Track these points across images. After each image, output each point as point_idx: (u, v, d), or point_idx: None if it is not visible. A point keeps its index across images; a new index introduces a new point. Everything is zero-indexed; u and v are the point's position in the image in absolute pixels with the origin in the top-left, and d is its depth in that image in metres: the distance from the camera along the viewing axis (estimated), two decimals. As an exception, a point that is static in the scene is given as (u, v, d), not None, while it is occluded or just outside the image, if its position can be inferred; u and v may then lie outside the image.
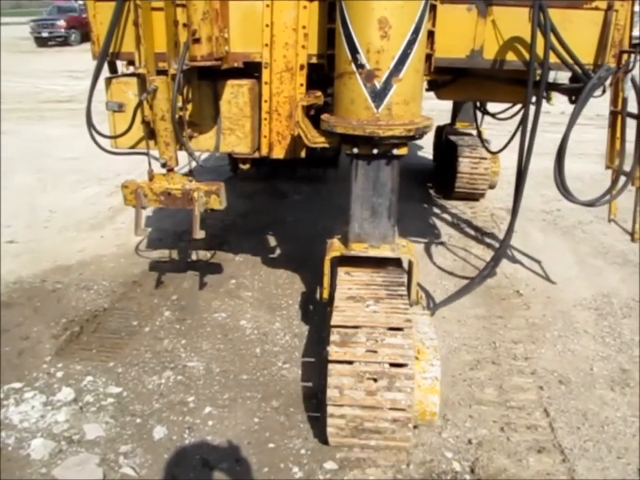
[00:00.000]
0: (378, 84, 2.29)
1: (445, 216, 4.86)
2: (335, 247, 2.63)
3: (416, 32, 2.25)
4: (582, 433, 2.37)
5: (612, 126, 2.89)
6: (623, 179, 2.86)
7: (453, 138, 5.28)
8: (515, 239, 4.27)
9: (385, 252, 2.57)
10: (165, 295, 3.53)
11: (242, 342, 3.02)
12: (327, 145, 2.63)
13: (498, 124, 5.13)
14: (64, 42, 22.94)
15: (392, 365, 2.09)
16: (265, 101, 2.76)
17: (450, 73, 2.93)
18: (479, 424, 2.42)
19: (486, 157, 4.95)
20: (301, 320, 3.21)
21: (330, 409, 2.12)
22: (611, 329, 3.12)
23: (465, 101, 5.21)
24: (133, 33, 2.56)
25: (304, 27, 2.61)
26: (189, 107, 2.71)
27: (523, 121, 2.78)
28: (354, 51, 2.29)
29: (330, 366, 2.12)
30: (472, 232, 4.48)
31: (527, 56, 2.60)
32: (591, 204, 2.95)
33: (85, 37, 22.98)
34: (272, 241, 4.29)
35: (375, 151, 2.40)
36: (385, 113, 2.32)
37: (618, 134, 2.85)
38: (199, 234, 2.75)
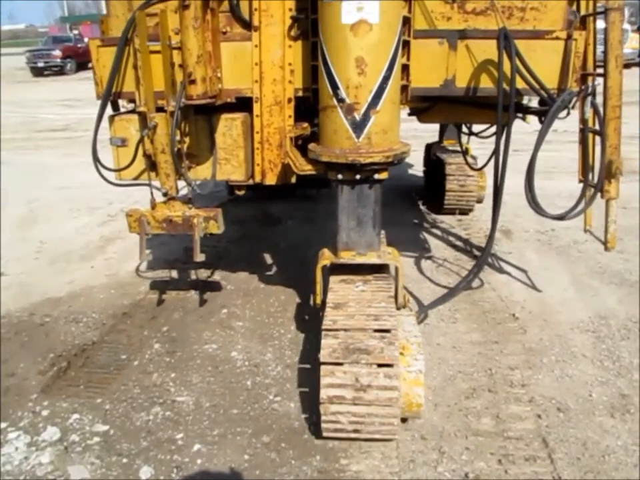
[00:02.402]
0: (357, 116, 2.49)
1: (439, 238, 4.82)
2: (326, 256, 2.80)
3: (390, 68, 2.47)
4: (582, 464, 2.29)
5: (582, 142, 3.12)
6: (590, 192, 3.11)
7: (440, 155, 5.39)
8: (510, 261, 4.25)
9: (371, 259, 2.74)
10: (155, 327, 3.47)
11: (233, 374, 2.96)
12: (314, 172, 2.81)
13: (487, 142, 5.19)
14: (60, 71, 23.25)
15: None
16: (257, 132, 2.95)
17: (426, 100, 3.13)
18: (476, 456, 2.34)
19: (472, 174, 5.07)
20: (292, 350, 3.15)
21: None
22: (610, 352, 3.05)
23: (448, 123, 5.36)
24: (133, 75, 2.84)
25: (290, 64, 2.84)
26: (187, 140, 2.95)
27: (496, 141, 2.96)
28: (334, 86, 2.50)
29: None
30: (465, 255, 4.43)
31: (495, 82, 2.79)
32: (561, 217, 3.11)
33: (81, 66, 23.34)
34: (264, 269, 4.24)
35: (358, 177, 2.59)
36: (365, 142, 2.51)
37: (589, 150, 3.11)
38: (200, 257, 2.94)
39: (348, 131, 2.52)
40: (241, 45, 2.87)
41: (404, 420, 2.52)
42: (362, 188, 2.66)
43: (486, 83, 2.81)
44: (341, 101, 2.50)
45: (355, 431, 2.30)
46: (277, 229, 5.13)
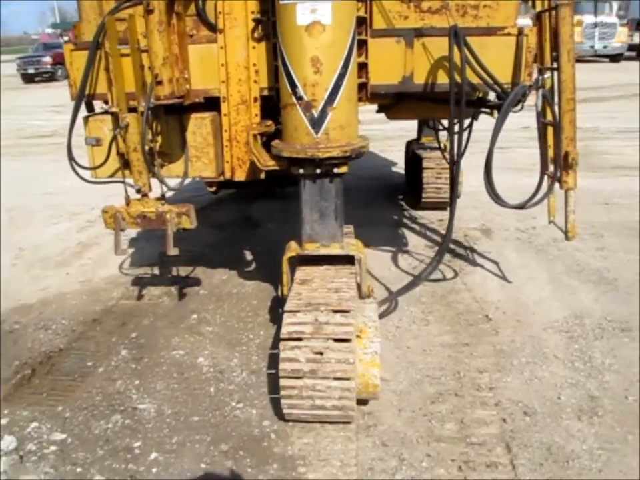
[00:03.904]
0: (315, 113, 2.59)
1: (418, 236, 4.76)
2: (292, 248, 2.92)
3: (345, 66, 2.55)
4: (545, 470, 2.23)
5: (542, 136, 3.22)
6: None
7: (417, 151, 5.43)
8: (488, 261, 4.19)
9: (334, 250, 2.85)
10: (124, 333, 3.42)
11: (197, 381, 2.91)
12: (277, 168, 2.93)
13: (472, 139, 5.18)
14: (50, 77, 23.34)
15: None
16: (225, 131, 3.07)
17: (387, 97, 3.21)
18: (437, 463, 2.29)
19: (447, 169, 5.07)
20: (259, 356, 3.10)
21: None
22: (582, 353, 2.99)
23: (413, 119, 5.47)
24: (105, 77, 2.96)
25: (254, 65, 2.93)
26: (159, 138, 3.09)
27: (450, 135, 3.08)
28: (293, 85, 2.60)
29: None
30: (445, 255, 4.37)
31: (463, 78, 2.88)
32: (521, 207, 3.27)
33: (72, 72, 23.30)
34: (238, 273, 4.19)
35: (318, 171, 2.69)
36: (323, 137, 2.62)
37: (550, 142, 3.21)
38: (173, 251, 3.09)
39: (307, 127, 2.61)
40: (208, 47, 2.98)
41: (364, 402, 2.60)
42: (323, 182, 2.75)
43: (443, 79, 2.90)
44: (299, 98, 2.59)
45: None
46: (256, 232, 5.09)
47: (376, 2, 2.93)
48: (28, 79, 23.15)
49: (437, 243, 4.62)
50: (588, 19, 20.72)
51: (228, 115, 3.02)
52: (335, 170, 2.69)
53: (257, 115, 3.03)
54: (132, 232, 4.89)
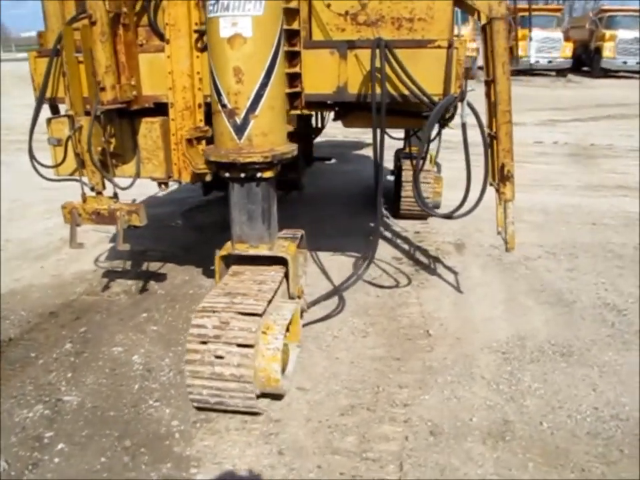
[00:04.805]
0: (238, 120, 2.72)
1: (390, 248, 4.73)
2: (226, 247, 3.06)
3: (267, 76, 2.68)
4: (429, 491, 2.21)
5: (489, 147, 3.25)
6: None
7: (401, 161, 5.45)
8: (450, 276, 4.14)
9: (262, 251, 2.96)
10: (75, 327, 3.54)
11: (125, 377, 2.99)
12: (207, 171, 3.11)
13: (457, 150, 5.11)
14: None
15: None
16: (173, 134, 3.19)
17: (323, 106, 3.39)
18: (324, 475, 2.29)
19: (429, 180, 5.10)
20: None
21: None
22: (511, 375, 2.93)
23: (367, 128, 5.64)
24: (63, 82, 3.21)
25: (198, 73, 3.08)
26: (113, 140, 3.30)
27: (374, 142, 3.17)
28: (218, 93, 2.74)
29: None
30: (410, 267, 4.33)
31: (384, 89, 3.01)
32: (448, 216, 3.36)
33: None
34: (201, 275, 4.26)
35: (243, 175, 2.79)
36: (246, 143, 2.74)
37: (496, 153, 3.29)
38: (123, 246, 3.32)
39: (231, 133, 2.74)
40: (156, 56, 3.16)
41: (267, 395, 2.69)
42: (250, 186, 2.85)
43: (377, 90, 2.99)
44: (224, 106, 2.72)
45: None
46: (232, 235, 5.15)
47: (314, 15, 3.03)
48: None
49: (406, 255, 4.59)
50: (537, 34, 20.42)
51: (175, 120, 3.15)
52: (258, 174, 2.78)
53: (201, 120, 3.17)
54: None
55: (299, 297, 3.13)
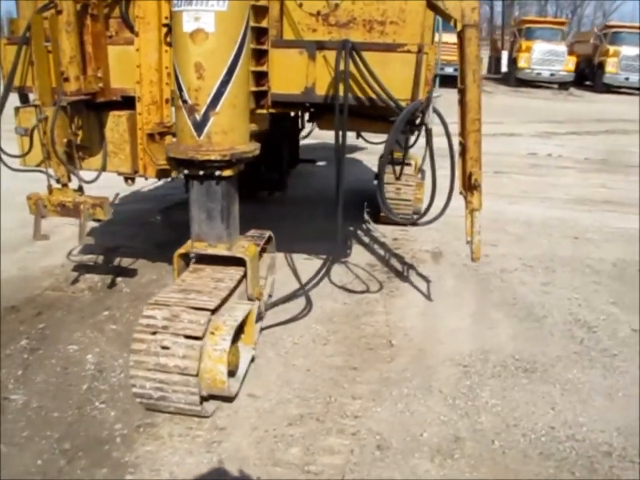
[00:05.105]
0: (198, 116, 2.66)
1: (367, 253, 4.66)
2: (185, 246, 3.01)
3: (229, 74, 2.63)
4: (367, 508, 2.14)
5: (462, 155, 3.20)
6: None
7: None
8: (422, 285, 4.07)
9: (221, 250, 2.91)
10: (34, 323, 3.47)
11: (75, 377, 2.92)
12: (168, 167, 3.08)
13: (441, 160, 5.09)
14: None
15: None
16: (140, 129, 3.14)
17: (292, 106, 3.32)
18: (262, 487, 2.22)
19: (411, 184, 5.07)
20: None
21: None
22: (469, 390, 2.86)
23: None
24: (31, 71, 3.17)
25: (166, 67, 3.02)
26: (80, 133, 3.25)
27: (336, 145, 3.10)
28: (180, 89, 2.69)
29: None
30: (382, 274, 4.26)
31: (352, 92, 2.96)
32: (413, 223, 3.57)
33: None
34: (170, 274, 4.18)
35: (201, 172, 2.73)
36: (205, 140, 2.68)
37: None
38: (84, 240, 3.40)
39: (191, 129, 2.68)
40: (126, 48, 3.11)
41: (217, 398, 2.63)
42: (210, 184, 2.79)
43: (342, 92, 2.94)
44: (184, 102, 2.67)
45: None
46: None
47: (285, 14, 2.98)
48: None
49: (381, 261, 4.52)
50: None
51: (142, 114, 3.10)
52: (219, 173, 2.73)
53: (168, 116, 3.15)
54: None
55: (258, 299, 3.07)
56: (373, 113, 3.17)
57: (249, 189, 5.81)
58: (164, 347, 2.44)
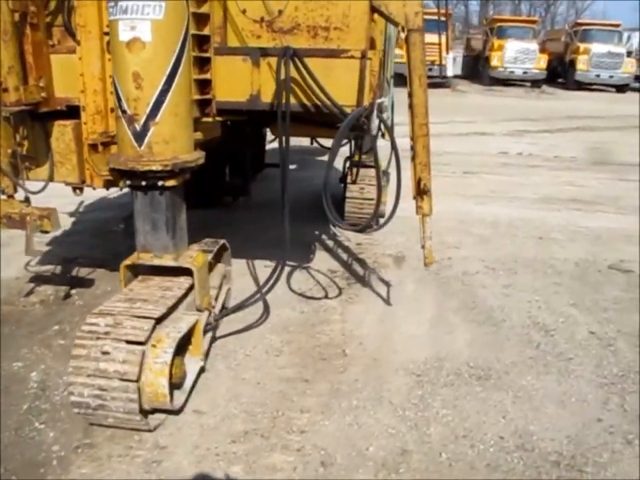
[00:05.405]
0: (138, 126, 2.62)
1: (326, 259, 4.60)
2: (132, 257, 2.97)
3: (168, 82, 2.57)
4: (305, 528, 2.08)
5: (412, 159, 3.13)
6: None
7: (348, 169, 5.45)
8: (382, 291, 4.03)
9: (167, 261, 2.86)
10: (-19, 339, 3.37)
11: (17, 396, 2.83)
12: (110, 177, 3.02)
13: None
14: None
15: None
16: (85, 139, 3.10)
17: (239, 114, 3.24)
18: (199, 510, 2.16)
19: (374, 183, 4.95)
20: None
21: None
22: (421, 400, 2.82)
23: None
24: None
25: (110, 76, 2.89)
26: (26, 143, 3.17)
27: (280, 152, 3.05)
28: (119, 98, 2.65)
29: None
30: (343, 280, 4.21)
31: (297, 99, 2.94)
32: (359, 230, 3.53)
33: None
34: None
35: (144, 183, 2.70)
36: (146, 150, 2.64)
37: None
38: (31, 253, 3.30)
39: (131, 139, 2.64)
40: (69, 57, 3.05)
41: (163, 411, 2.57)
42: (153, 194, 2.75)
43: (290, 99, 2.90)
44: (124, 112, 2.63)
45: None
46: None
47: (229, 21, 2.92)
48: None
49: (343, 266, 4.47)
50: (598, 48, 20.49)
51: (87, 124, 3.07)
52: (161, 183, 2.68)
53: (113, 125, 3.04)
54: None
55: (208, 310, 3.01)
56: (320, 120, 3.12)
57: (213, 195, 5.76)
58: (104, 352, 2.40)
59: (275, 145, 7.14)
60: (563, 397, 2.88)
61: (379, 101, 2.79)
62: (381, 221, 5.25)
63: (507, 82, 21.25)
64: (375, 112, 2.78)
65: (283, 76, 2.78)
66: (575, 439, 2.57)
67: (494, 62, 20.70)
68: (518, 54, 20.41)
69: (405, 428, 2.62)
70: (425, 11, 2.86)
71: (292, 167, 7.09)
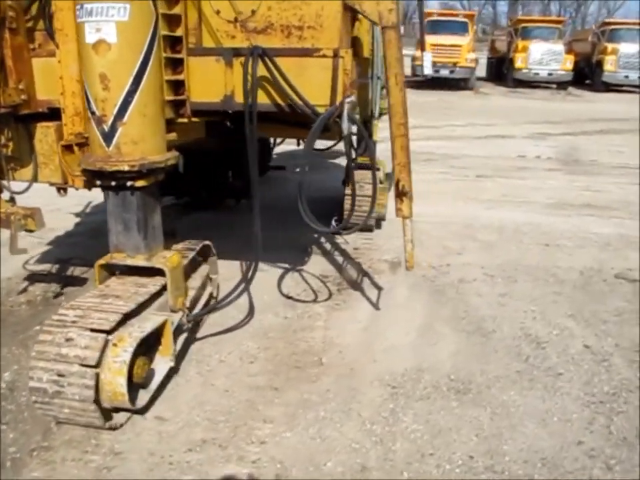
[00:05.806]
0: (106, 127, 2.65)
1: (320, 264, 4.51)
2: (106, 257, 2.97)
3: (136, 83, 2.59)
4: None
5: (392, 160, 3.08)
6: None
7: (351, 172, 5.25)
8: (373, 297, 3.92)
9: (139, 261, 2.88)
10: (-37, 339, 3.41)
11: (-14, 397, 2.84)
12: (83, 178, 2.99)
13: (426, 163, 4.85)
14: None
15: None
16: (66, 140, 3.07)
17: (214, 114, 3.20)
18: (142, 521, 2.10)
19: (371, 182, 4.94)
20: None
21: None
22: (392, 414, 2.70)
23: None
24: None
25: None
26: (10, 144, 3.26)
27: (250, 155, 3.01)
28: (88, 100, 2.69)
29: None
30: (333, 285, 4.12)
31: (270, 99, 2.91)
32: (336, 232, 3.51)
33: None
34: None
35: (113, 183, 2.71)
36: (114, 151, 2.66)
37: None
38: (16, 251, 3.35)
39: (100, 140, 2.68)
40: (49, 60, 3.08)
41: (118, 410, 2.57)
42: (125, 194, 2.77)
43: (262, 99, 2.91)
44: (92, 113, 2.67)
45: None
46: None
47: (204, 21, 2.89)
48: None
49: (337, 271, 4.37)
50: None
51: (67, 125, 3.09)
52: (131, 183, 2.69)
53: None
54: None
55: (182, 310, 2.98)
56: (294, 120, 3.05)
57: (215, 198, 5.76)
58: (68, 339, 2.46)
59: (283, 147, 7.17)
60: (545, 416, 2.72)
61: (348, 100, 2.69)
62: (382, 222, 5.29)
63: (532, 84, 20.71)
64: (346, 111, 2.68)
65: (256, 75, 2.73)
66: (549, 462, 2.42)
67: (518, 63, 20.15)
68: (543, 55, 19.86)
69: (370, 443, 2.51)
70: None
71: (297, 169, 7.03)
